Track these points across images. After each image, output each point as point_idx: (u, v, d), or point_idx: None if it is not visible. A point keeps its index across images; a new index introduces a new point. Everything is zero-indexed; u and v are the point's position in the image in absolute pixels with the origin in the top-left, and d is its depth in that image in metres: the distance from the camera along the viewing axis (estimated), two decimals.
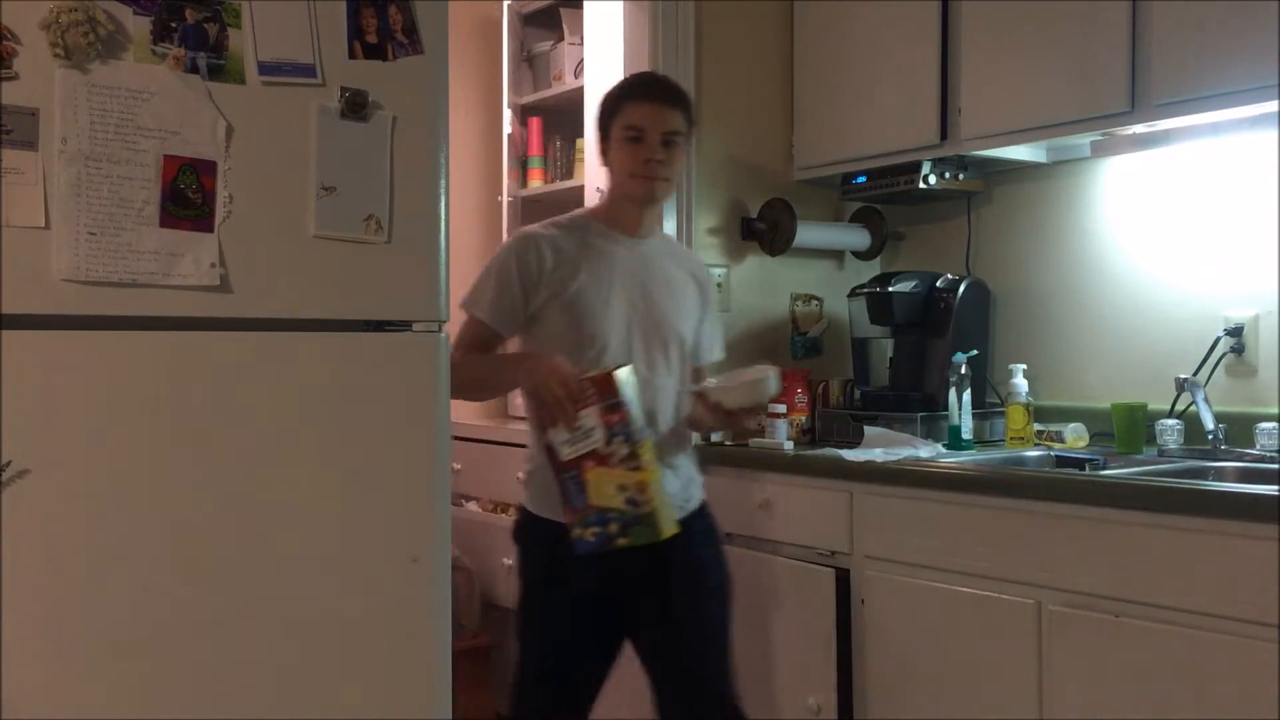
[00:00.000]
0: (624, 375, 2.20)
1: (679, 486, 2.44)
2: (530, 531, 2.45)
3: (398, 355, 1.88)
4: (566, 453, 2.18)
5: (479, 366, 2.41)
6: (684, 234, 3.26)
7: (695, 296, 2.55)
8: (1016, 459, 2.78)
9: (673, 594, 2.42)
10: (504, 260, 2.42)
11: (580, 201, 3.68)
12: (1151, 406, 2.77)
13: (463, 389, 2.19)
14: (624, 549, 2.22)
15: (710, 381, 2.48)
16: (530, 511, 2.45)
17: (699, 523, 2.49)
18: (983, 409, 3.05)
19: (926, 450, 2.79)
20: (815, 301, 3.50)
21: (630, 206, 2.46)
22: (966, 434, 2.87)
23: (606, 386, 2.17)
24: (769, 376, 2.39)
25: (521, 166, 4.12)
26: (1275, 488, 2.05)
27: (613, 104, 2.45)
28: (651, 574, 2.39)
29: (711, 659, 2.45)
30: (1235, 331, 2.70)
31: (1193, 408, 2.66)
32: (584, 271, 2.40)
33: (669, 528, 2.21)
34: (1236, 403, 2.70)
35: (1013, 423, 2.94)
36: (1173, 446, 2.69)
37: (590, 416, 2.17)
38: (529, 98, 4.08)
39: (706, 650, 2.44)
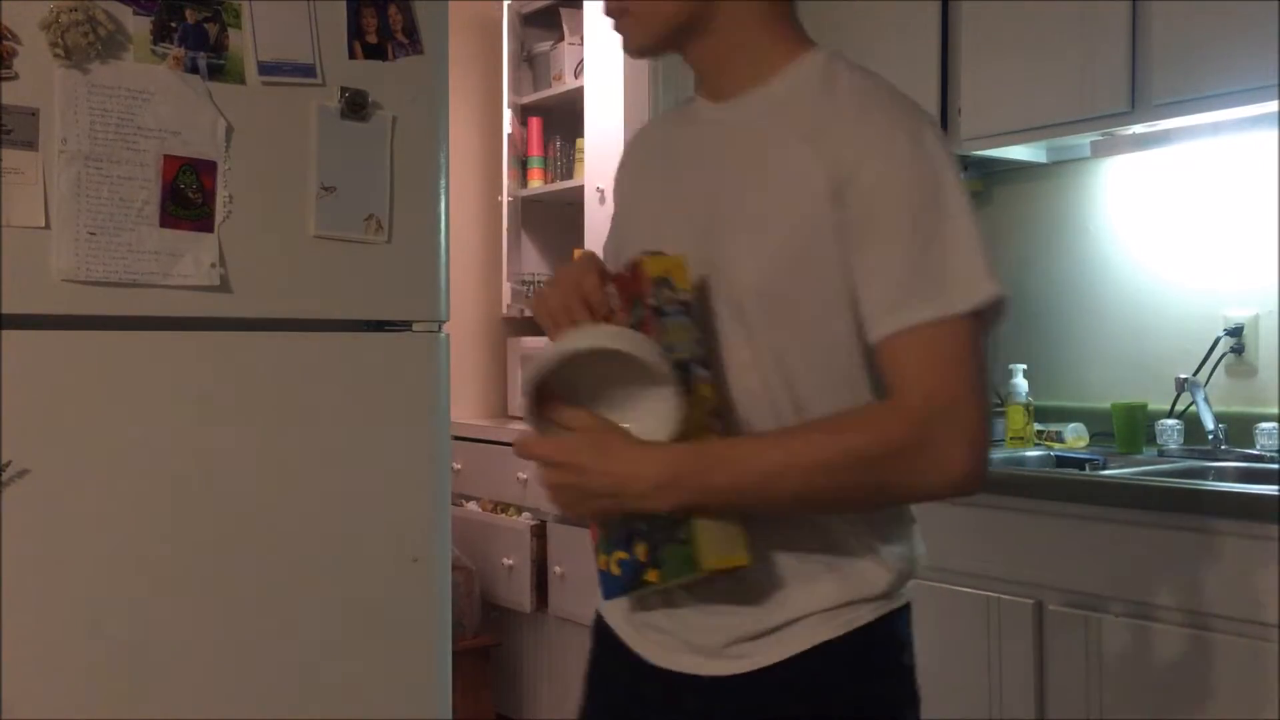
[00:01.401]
0: (663, 265, 1.17)
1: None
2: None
3: (398, 355, 1.88)
4: None
5: None
6: None
7: (811, 196, 1.17)
8: (1016, 459, 2.78)
9: None
10: None
11: (580, 202, 3.67)
12: (1151, 406, 2.76)
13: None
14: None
15: None
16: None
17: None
18: None
19: None
20: None
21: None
22: None
23: (632, 284, 1.18)
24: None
25: (521, 166, 4.12)
26: (1275, 488, 2.05)
27: None
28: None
29: None
30: (1235, 331, 2.69)
31: (1193, 408, 2.66)
32: (637, 175, 1.45)
33: (715, 555, 1.14)
34: (1236, 403, 2.69)
35: (1013, 423, 2.93)
36: (1173, 446, 2.68)
37: None
38: (529, 98, 4.08)
39: None
